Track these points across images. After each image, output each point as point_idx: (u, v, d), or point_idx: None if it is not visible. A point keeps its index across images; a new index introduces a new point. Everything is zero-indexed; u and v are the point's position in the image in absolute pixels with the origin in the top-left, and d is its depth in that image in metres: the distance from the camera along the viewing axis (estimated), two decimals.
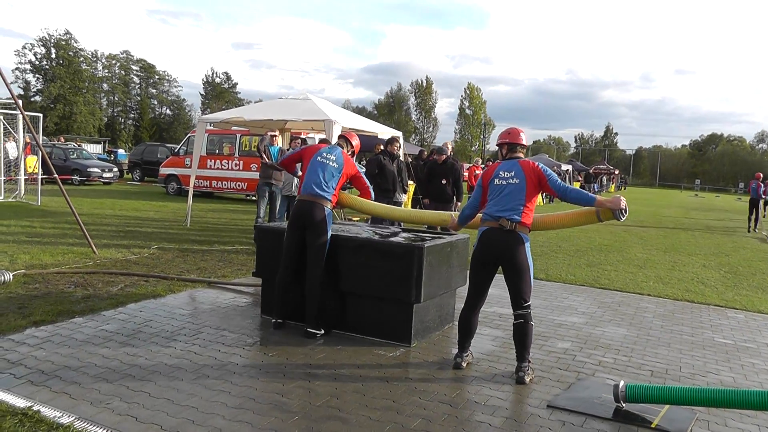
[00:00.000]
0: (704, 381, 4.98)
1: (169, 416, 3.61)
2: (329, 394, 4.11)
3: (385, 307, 5.30)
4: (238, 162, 19.39)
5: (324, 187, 5.46)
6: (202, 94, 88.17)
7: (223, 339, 5.16)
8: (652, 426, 3.99)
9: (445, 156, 10.10)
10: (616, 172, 60.86)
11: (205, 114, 27.82)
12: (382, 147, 10.51)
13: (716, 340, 6.25)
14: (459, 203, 9.98)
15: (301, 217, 5.41)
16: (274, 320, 5.57)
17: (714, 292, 8.87)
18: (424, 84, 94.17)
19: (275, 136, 10.83)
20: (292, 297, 5.55)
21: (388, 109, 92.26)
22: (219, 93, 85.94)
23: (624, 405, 4.18)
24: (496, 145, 5.09)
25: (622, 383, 4.23)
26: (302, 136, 17.19)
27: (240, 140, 19.38)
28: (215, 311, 6.05)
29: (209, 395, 3.96)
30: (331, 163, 5.55)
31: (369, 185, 5.99)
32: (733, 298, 8.50)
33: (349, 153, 5.83)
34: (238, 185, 19.48)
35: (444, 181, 9.99)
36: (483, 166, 21.59)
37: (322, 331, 5.36)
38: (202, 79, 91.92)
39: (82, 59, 74.37)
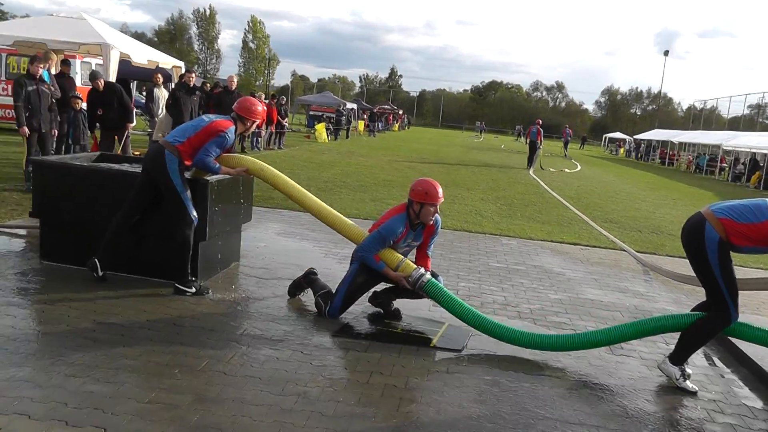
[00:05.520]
0: (479, 301, 5.44)
1: None
2: (117, 343, 3.78)
3: (169, 246, 4.83)
4: (5, 87, 16.73)
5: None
6: None
7: None
8: (431, 345, 4.27)
9: (101, 81, 9.62)
10: (401, 112, 63.78)
11: None
12: (161, 77, 9.73)
13: (491, 265, 6.87)
14: (131, 125, 10.12)
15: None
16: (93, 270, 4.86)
17: (490, 223, 9.72)
18: (207, 13, 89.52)
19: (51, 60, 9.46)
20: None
21: (169, 37, 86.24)
22: None
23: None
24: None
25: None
26: (79, 60, 15.37)
27: (6, 61, 16.73)
28: None
29: None
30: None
31: None
32: (507, 227, 9.40)
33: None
34: (8, 113, 16.83)
35: (101, 111, 9.56)
36: (267, 102, 20.95)
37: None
38: None
39: None
